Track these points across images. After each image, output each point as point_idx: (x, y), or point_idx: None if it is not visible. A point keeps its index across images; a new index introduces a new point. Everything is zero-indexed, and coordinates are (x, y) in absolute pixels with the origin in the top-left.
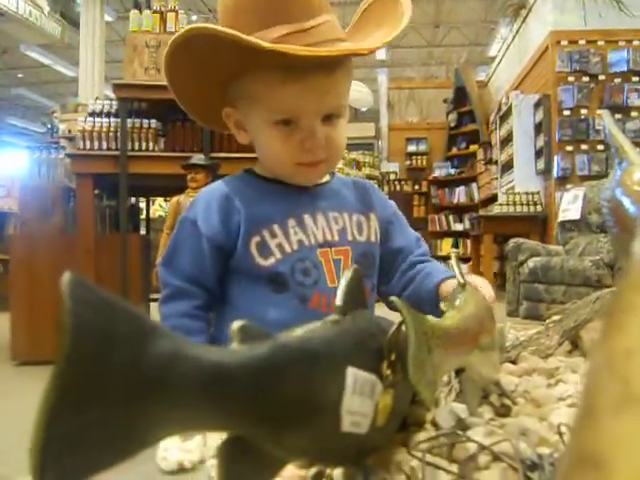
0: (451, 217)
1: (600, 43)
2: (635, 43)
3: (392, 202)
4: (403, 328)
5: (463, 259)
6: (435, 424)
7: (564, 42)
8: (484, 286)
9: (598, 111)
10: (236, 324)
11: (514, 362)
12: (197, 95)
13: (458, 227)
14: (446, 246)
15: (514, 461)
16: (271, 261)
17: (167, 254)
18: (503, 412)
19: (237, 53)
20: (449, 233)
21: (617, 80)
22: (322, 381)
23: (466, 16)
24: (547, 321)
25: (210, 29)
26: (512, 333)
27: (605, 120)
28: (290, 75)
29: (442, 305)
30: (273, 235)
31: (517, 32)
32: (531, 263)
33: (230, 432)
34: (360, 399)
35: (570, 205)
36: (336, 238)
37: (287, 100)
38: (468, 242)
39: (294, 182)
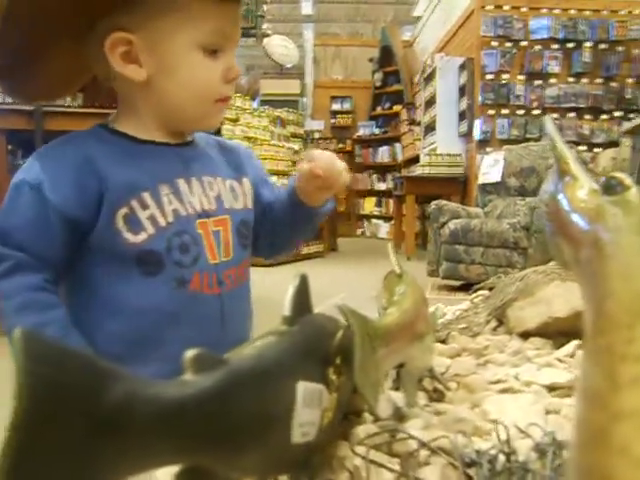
0: (374, 176)
1: (523, 9)
2: (556, 11)
3: (259, 161)
4: (345, 331)
5: (386, 218)
6: (372, 413)
7: (489, 7)
8: (328, 157)
9: (546, 117)
10: (190, 353)
11: (444, 342)
12: (29, 53)
13: (381, 186)
14: (369, 205)
15: (453, 458)
16: (142, 237)
17: None
18: (436, 397)
19: None
20: (372, 192)
21: (538, 47)
22: (274, 400)
23: None
24: (472, 296)
25: None
26: (439, 308)
27: (547, 127)
28: (217, 3)
29: (383, 300)
30: (144, 206)
31: None
32: (452, 225)
33: (185, 463)
34: (309, 410)
35: (490, 168)
36: (213, 207)
37: (224, 21)
38: (391, 202)
39: (201, 127)
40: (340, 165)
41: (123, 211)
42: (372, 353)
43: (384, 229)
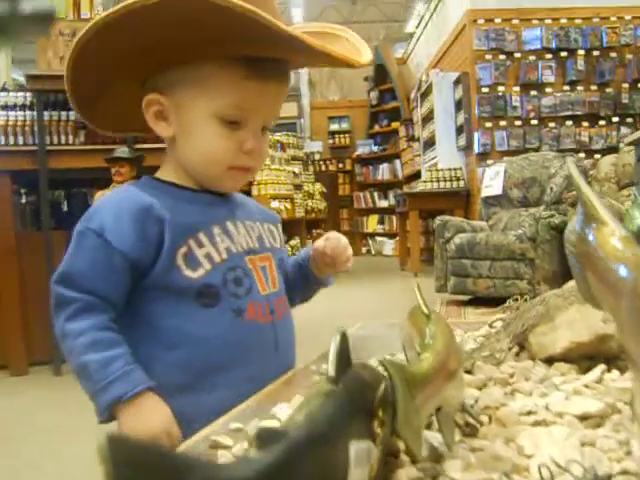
0: (376, 194)
1: (515, 21)
2: (548, 21)
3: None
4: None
5: (390, 235)
6: (413, 457)
7: (480, 20)
8: (340, 241)
9: (569, 160)
10: (254, 431)
11: (470, 372)
12: (99, 90)
13: (383, 204)
14: (372, 223)
15: None
16: (200, 272)
17: (66, 270)
18: (469, 432)
19: (198, 33)
20: (375, 210)
21: (532, 57)
22: (331, 465)
23: None
24: (491, 320)
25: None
26: (459, 335)
27: (571, 171)
28: (254, 72)
29: (416, 346)
30: (200, 244)
31: (434, 10)
32: (457, 240)
33: None
34: (360, 469)
35: (492, 181)
36: (257, 245)
37: (246, 97)
38: (394, 218)
39: (215, 187)
40: (345, 247)
41: (183, 250)
42: (412, 401)
43: (389, 246)
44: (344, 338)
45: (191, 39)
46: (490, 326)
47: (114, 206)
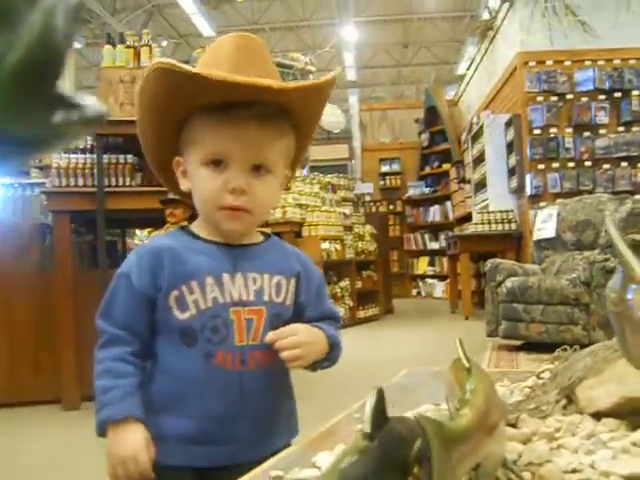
0: (426, 236)
1: (567, 63)
2: (600, 62)
3: (321, 288)
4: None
5: (440, 277)
6: None
7: (532, 63)
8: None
9: (608, 220)
10: None
11: (514, 425)
12: (155, 141)
13: (434, 245)
14: (422, 265)
15: None
16: (186, 315)
17: (104, 306)
18: None
19: (189, 90)
20: (425, 252)
21: (584, 99)
22: None
23: (434, 36)
24: (538, 371)
25: (167, 63)
26: (505, 385)
27: (610, 231)
28: (225, 120)
29: (455, 402)
30: (191, 291)
31: (485, 52)
32: (509, 283)
33: None
34: None
35: (544, 224)
36: (251, 298)
37: (218, 143)
38: (444, 260)
39: (223, 232)
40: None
41: (175, 293)
42: (448, 458)
43: (439, 288)
44: (380, 395)
45: (184, 97)
46: (538, 377)
47: (139, 250)
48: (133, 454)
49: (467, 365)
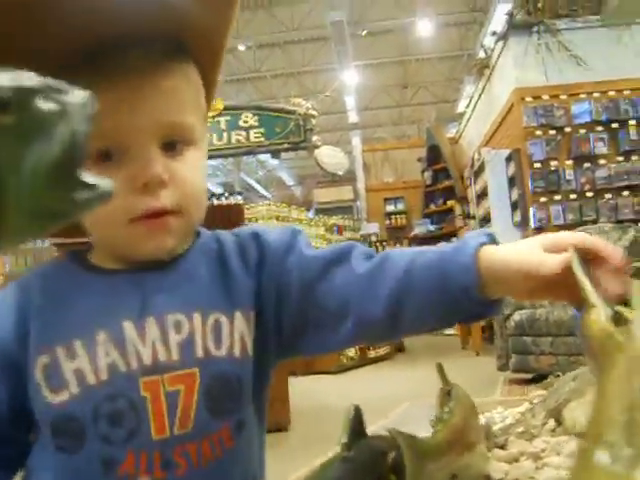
0: None
1: (563, 97)
2: (595, 95)
3: (307, 248)
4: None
5: None
6: None
7: (528, 98)
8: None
9: (571, 252)
10: None
11: (503, 447)
12: None
13: None
14: None
15: None
16: (63, 397)
17: None
18: None
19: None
20: None
21: (582, 131)
22: None
23: (432, 76)
24: (531, 396)
25: None
26: (499, 412)
27: (572, 261)
28: (97, 79)
29: (431, 421)
30: (72, 355)
31: (483, 90)
32: (517, 316)
33: None
34: None
35: None
36: (175, 357)
37: (99, 116)
38: None
39: (135, 257)
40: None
41: (43, 360)
42: (422, 468)
43: None
44: (357, 411)
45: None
46: (530, 402)
47: (8, 285)
48: None
49: (447, 388)
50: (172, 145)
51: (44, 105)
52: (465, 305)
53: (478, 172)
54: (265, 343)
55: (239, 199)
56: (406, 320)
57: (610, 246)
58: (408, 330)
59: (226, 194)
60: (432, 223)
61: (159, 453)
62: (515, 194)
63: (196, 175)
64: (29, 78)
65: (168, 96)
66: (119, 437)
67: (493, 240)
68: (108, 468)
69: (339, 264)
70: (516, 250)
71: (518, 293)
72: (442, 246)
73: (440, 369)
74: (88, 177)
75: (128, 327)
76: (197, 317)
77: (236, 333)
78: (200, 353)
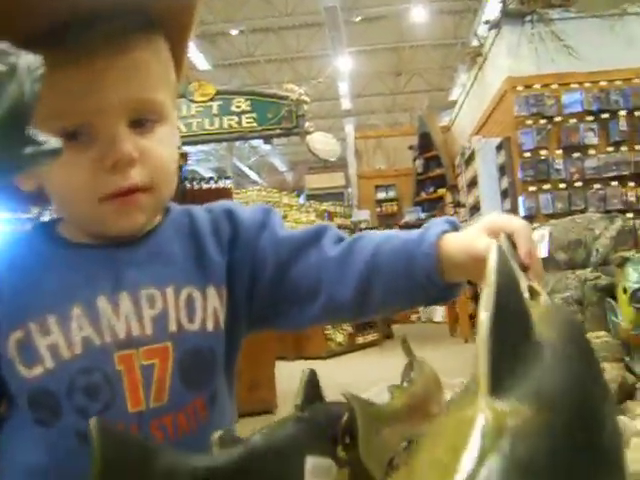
0: None
1: (554, 86)
2: (586, 85)
3: (280, 228)
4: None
5: None
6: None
7: (520, 87)
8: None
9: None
10: (215, 435)
11: None
12: None
13: None
14: None
15: None
16: (37, 371)
17: None
18: None
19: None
20: None
21: (572, 121)
22: (285, 471)
23: (426, 63)
24: None
25: None
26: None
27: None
28: (62, 55)
29: (389, 388)
30: (45, 330)
31: (475, 78)
32: None
33: None
34: None
35: (537, 244)
36: (149, 332)
37: (64, 102)
38: None
39: (106, 234)
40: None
41: (17, 335)
42: (377, 432)
43: (439, 312)
44: (312, 374)
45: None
46: None
47: None
48: None
49: (410, 359)
50: (141, 122)
51: None
52: (429, 289)
53: (468, 160)
54: (236, 317)
55: (228, 183)
56: (373, 302)
57: (528, 245)
58: (374, 311)
59: (215, 178)
60: (423, 211)
61: (136, 425)
62: (505, 183)
63: (166, 151)
64: None
65: (137, 72)
66: (94, 410)
67: (455, 227)
68: (83, 441)
69: (312, 245)
70: (466, 235)
71: (476, 276)
72: (408, 232)
73: (404, 343)
74: (38, 135)
75: (102, 302)
76: (170, 292)
77: (209, 307)
78: (173, 327)
